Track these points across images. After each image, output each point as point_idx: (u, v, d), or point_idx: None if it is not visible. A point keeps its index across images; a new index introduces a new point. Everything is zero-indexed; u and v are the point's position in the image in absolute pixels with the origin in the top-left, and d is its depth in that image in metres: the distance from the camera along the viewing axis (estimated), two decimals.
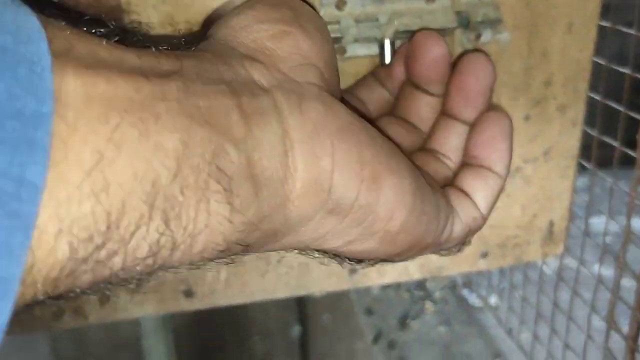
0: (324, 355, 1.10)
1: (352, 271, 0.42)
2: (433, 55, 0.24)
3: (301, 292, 0.42)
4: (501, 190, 0.24)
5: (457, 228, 0.23)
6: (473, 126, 0.24)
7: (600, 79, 0.43)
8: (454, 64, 0.26)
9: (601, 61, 0.43)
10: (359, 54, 0.32)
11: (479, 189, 0.23)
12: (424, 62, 0.24)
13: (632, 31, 0.39)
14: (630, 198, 0.41)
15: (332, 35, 0.32)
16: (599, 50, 0.38)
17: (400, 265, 0.43)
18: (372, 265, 0.22)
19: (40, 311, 0.37)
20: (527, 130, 0.39)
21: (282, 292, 0.41)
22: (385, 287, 0.78)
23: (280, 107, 0.17)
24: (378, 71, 0.30)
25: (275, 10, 0.18)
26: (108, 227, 0.13)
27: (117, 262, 0.14)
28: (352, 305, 0.77)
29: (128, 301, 0.38)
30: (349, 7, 0.31)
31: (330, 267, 0.41)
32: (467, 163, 0.24)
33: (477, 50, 0.24)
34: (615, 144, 0.42)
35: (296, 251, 0.20)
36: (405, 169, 0.19)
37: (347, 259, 0.21)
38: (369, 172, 0.18)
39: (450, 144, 0.25)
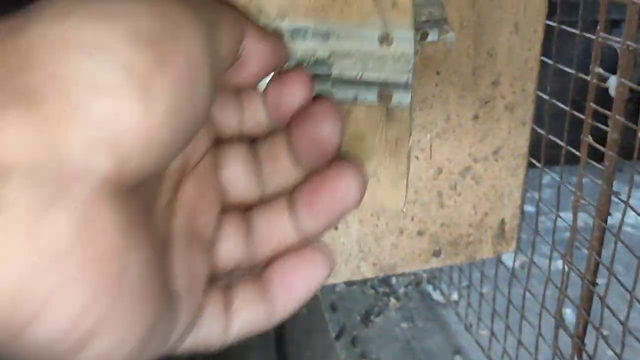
0: (300, 349, 1.10)
1: None
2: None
3: None
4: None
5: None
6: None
7: (547, 78, 0.44)
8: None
9: (548, 61, 0.43)
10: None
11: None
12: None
13: (576, 31, 0.40)
14: (575, 196, 0.42)
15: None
16: (545, 52, 0.38)
17: (352, 264, 0.43)
18: None
19: None
20: (476, 129, 0.39)
21: None
22: (350, 284, 0.79)
23: None
24: None
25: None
26: None
27: None
28: (319, 302, 0.77)
29: None
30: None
31: None
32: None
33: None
34: (561, 143, 0.43)
35: None
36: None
37: None
38: None
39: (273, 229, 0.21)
